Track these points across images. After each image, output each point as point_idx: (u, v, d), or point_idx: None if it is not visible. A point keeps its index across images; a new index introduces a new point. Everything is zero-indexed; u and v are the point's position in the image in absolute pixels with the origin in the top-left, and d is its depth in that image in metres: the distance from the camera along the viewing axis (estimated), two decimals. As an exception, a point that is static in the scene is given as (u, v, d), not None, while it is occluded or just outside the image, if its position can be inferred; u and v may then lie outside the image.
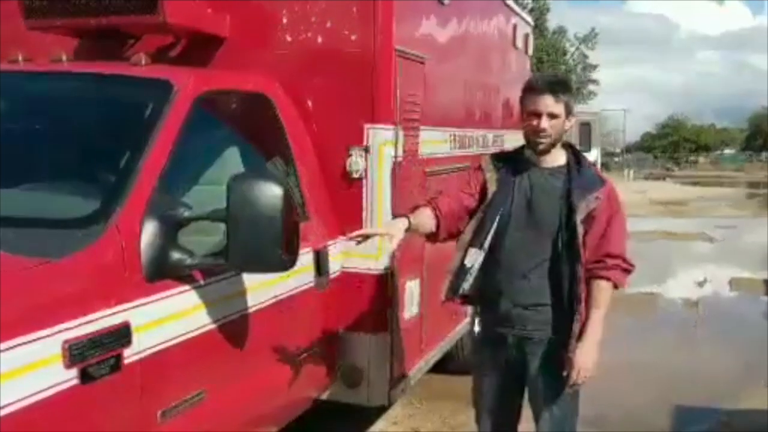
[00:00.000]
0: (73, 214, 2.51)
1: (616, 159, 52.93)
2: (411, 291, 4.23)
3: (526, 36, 7.08)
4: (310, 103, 3.89)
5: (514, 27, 6.66)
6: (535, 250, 3.05)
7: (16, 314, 2.06)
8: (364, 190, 3.88)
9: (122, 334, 2.34)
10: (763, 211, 20.76)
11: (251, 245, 2.53)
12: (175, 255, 2.58)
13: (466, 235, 3.15)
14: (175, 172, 2.78)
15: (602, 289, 3.06)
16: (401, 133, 4.00)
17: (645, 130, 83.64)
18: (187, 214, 2.64)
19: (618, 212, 3.11)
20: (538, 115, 3.00)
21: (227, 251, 2.55)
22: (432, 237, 3.25)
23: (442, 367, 5.32)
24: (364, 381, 3.91)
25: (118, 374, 2.31)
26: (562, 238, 3.01)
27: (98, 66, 3.34)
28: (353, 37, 3.88)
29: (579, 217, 2.99)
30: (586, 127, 16.20)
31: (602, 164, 21.83)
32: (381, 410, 4.83)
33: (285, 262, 2.62)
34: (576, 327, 3.02)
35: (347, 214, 3.88)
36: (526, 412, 3.29)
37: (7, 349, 2.00)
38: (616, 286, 3.10)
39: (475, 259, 3.12)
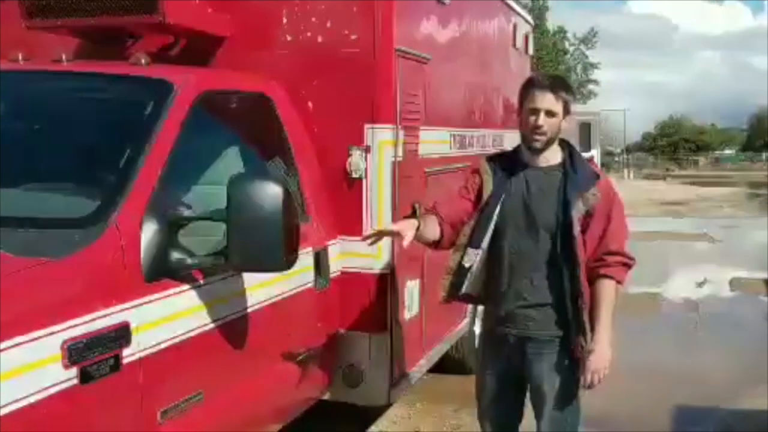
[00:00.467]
0: (72, 214, 2.51)
1: (617, 159, 52.93)
2: (411, 291, 4.23)
3: (526, 35, 7.09)
4: (310, 103, 3.89)
5: (515, 27, 6.66)
6: (534, 249, 3.06)
7: (16, 314, 2.06)
8: (364, 190, 3.88)
9: (121, 334, 2.33)
10: (763, 211, 20.76)
11: (251, 245, 2.53)
12: (175, 255, 2.57)
13: (464, 237, 3.15)
14: (175, 171, 2.77)
15: (606, 287, 3.07)
16: (401, 133, 4.00)
17: (645, 131, 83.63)
18: (187, 214, 2.64)
19: (615, 207, 3.11)
20: (537, 112, 3.01)
21: (227, 251, 2.55)
22: (434, 245, 3.25)
23: (442, 367, 5.33)
24: (364, 381, 3.91)
25: (118, 374, 2.31)
26: (560, 236, 3.02)
27: (98, 66, 3.34)
28: (353, 37, 3.88)
29: (575, 215, 3.00)
30: (585, 127, 16.16)
31: (602, 164, 21.80)
32: (381, 410, 4.83)
33: (285, 262, 2.62)
34: (578, 325, 3.03)
35: (348, 214, 3.88)
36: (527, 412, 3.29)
37: (6, 349, 2.00)
38: (619, 283, 3.11)
39: (473, 259, 3.12)
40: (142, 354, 2.41)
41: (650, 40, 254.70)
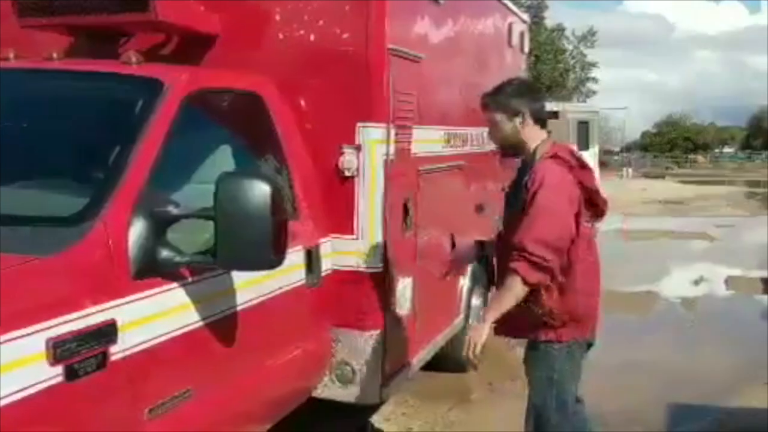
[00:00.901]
0: (60, 212, 2.51)
1: (616, 157, 52.90)
2: (403, 288, 4.23)
3: (522, 34, 7.08)
4: (302, 102, 3.89)
5: (510, 25, 6.66)
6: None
7: (1, 312, 2.06)
8: (356, 188, 3.88)
9: (108, 332, 2.34)
10: (762, 210, 20.76)
11: (239, 243, 2.53)
12: (164, 253, 2.58)
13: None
14: (165, 169, 2.78)
15: (506, 278, 3.10)
16: (394, 132, 4.00)
17: (644, 129, 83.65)
18: (175, 211, 2.64)
19: (533, 202, 3.08)
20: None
21: (215, 249, 2.55)
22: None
23: (436, 364, 5.34)
24: (356, 379, 3.91)
25: (104, 372, 2.31)
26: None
27: (89, 64, 3.35)
28: (345, 36, 3.88)
29: (511, 211, 3.25)
30: (584, 126, 16.17)
31: (601, 162, 21.76)
32: (374, 408, 4.84)
33: (273, 260, 2.62)
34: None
35: (340, 212, 3.89)
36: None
37: (-9, 346, 2.00)
38: (525, 281, 3.04)
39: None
40: (129, 351, 2.41)
41: (647, 40, 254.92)
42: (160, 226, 2.60)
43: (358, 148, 3.86)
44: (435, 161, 4.76)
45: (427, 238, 4.66)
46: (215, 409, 2.81)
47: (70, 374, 2.19)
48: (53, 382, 2.15)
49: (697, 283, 10.22)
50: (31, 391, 2.08)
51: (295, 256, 3.47)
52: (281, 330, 3.35)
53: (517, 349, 6.51)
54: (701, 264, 11.70)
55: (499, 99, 3.30)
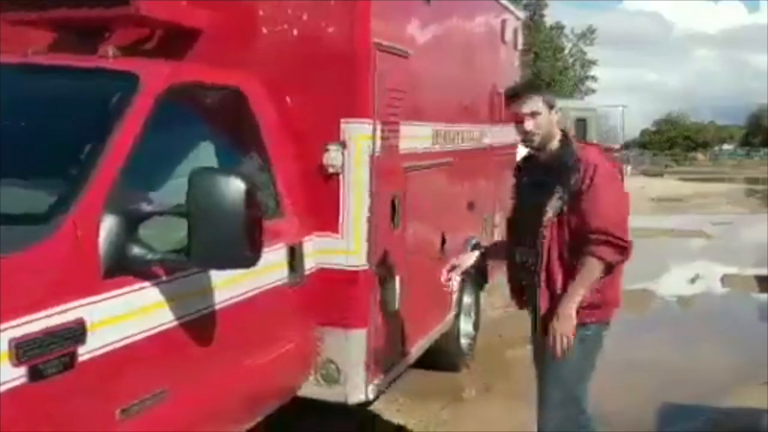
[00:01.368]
0: (29, 209, 2.45)
1: (615, 155, 52.74)
2: (390, 286, 4.18)
3: (515, 31, 7.03)
4: (286, 97, 3.83)
5: (503, 22, 6.61)
6: (537, 243, 3.25)
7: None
8: (341, 185, 3.82)
9: (76, 332, 2.28)
10: (761, 207, 20.71)
11: (213, 241, 2.46)
12: (135, 250, 2.51)
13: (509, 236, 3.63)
14: (140, 165, 2.72)
15: (583, 265, 3.14)
16: (379, 128, 3.94)
17: (644, 128, 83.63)
18: (148, 208, 2.57)
19: (596, 187, 3.15)
20: (522, 119, 3.25)
21: (189, 247, 2.48)
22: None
23: (428, 362, 5.29)
24: (342, 378, 3.86)
25: (72, 372, 2.25)
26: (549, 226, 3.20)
27: (63, 59, 3.28)
28: (330, 30, 3.83)
29: (553, 203, 3.18)
30: (581, 123, 16.16)
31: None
32: (364, 406, 4.78)
33: (249, 258, 2.55)
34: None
35: (324, 210, 3.83)
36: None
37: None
38: (608, 263, 3.15)
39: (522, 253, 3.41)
40: (99, 351, 2.35)
41: (646, 39, 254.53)
42: (132, 223, 2.53)
43: (343, 145, 3.80)
44: (424, 158, 4.70)
45: (416, 236, 4.61)
46: (191, 410, 2.75)
47: (35, 375, 2.13)
48: (16, 383, 2.09)
49: (692, 281, 10.18)
50: (-7, 392, 2.03)
51: (277, 254, 3.42)
52: (262, 329, 3.29)
53: (509, 348, 6.51)
54: (698, 262, 11.66)
55: (538, 90, 3.38)
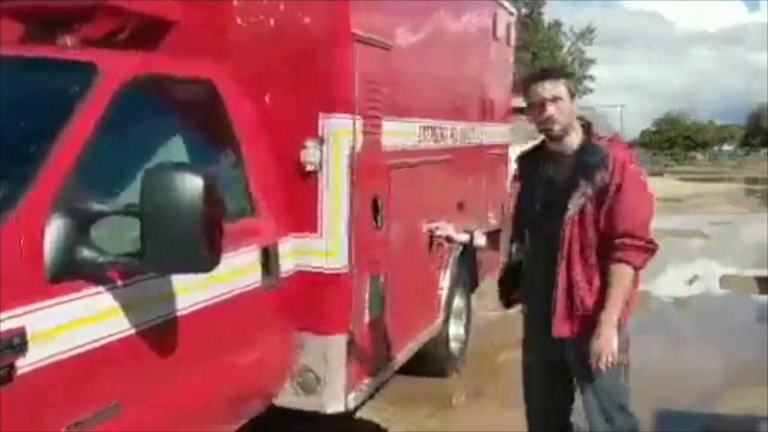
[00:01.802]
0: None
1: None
2: (373, 290, 4.00)
3: (508, 26, 6.85)
4: (262, 91, 3.65)
5: (495, 17, 6.42)
6: (556, 240, 3.08)
7: None
8: (320, 183, 3.65)
9: (15, 342, 2.08)
10: (761, 207, 20.57)
11: (167, 242, 2.27)
12: (84, 253, 2.31)
13: (509, 232, 3.42)
14: (97, 162, 2.53)
15: (613, 272, 3.02)
16: (360, 123, 3.76)
17: (643, 128, 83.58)
18: (98, 208, 2.38)
19: (626, 187, 3.01)
20: (543, 103, 3.06)
21: (142, 249, 2.29)
22: None
23: (416, 368, 5.11)
24: (320, 386, 3.68)
25: (10, 386, 2.06)
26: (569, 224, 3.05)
27: (20, 49, 3.11)
28: (308, 20, 3.65)
29: (575, 200, 3.03)
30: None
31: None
32: (350, 416, 4.61)
33: (206, 261, 2.36)
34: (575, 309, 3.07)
35: (302, 209, 3.65)
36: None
37: None
38: (637, 268, 3.05)
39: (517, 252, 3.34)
40: (42, 363, 2.16)
41: (645, 38, 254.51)
42: (82, 223, 2.34)
43: (322, 141, 3.62)
44: (410, 155, 4.52)
45: (402, 237, 4.42)
46: (148, 424, 2.55)
47: (-35, 390, 1.95)
48: (-57, 399, 1.91)
49: (690, 282, 10.03)
50: None
51: (248, 256, 3.24)
52: (231, 336, 3.10)
53: (501, 352, 6.34)
54: (696, 263, 11.50)
55: (564, 76, 3.26)
